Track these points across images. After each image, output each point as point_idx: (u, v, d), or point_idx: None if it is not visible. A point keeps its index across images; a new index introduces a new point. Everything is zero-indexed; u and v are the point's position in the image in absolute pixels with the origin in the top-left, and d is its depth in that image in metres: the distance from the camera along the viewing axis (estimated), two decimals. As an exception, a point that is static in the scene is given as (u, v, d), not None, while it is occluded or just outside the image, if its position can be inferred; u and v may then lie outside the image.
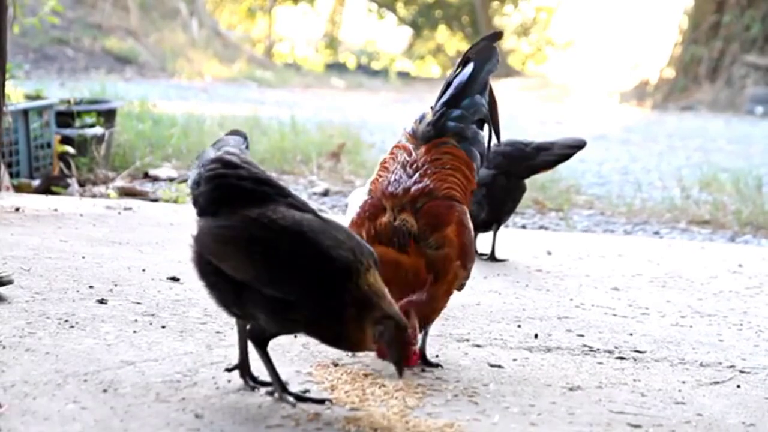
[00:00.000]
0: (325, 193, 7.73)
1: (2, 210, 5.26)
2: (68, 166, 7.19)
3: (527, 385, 2.99)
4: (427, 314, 2.93)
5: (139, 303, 3.59)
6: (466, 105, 3.23)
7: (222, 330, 3.29)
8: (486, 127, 3.32)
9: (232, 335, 3.02)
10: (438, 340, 3.38)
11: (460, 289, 3.13)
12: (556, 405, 2.82)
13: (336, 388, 2.81)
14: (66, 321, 3.28)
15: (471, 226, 3.10)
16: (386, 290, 2.58)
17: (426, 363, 3.08)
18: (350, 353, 3.04)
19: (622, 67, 24.93)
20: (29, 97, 7.38)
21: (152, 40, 21.54)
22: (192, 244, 2.63)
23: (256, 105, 13.07)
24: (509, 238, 5.39)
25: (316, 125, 10.67)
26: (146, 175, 7.82)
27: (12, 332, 3.11)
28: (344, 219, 3.14)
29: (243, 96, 16.39)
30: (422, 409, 2.70)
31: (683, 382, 3.13)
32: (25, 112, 6.86)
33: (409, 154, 3.15)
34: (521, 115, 15.22)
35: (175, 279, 3.96)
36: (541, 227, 7.00)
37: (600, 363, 3.28)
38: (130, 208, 5.70)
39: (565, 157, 5.05)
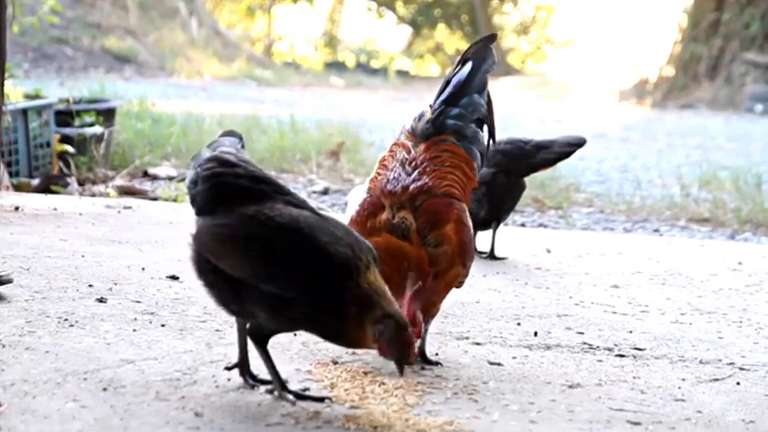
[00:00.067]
0: (325, 192, 7.73)
1: (2, 209, 5.26)
2: (67, 165, 7.19)
3: (527, 382, 2.99)
4: (426, 307, 2.93)
5: (138, 302, 3.59)
6: (464, 104, 3.23)
7: (221, 328, 3.29)
8: (485, 126, 3.32)
9: (232, 333, 3.02)
10: (437, 338, 3.38)
11: (459, 286, 3.13)
12: (555, 402, 2.82)
13: (336, 386, 2.81)
14: (66, 320, 3.28)
15: (470, 223, 3.10)
16: (386, 288, 2.58)
17: (426, 361, 3.08)
18: (350, 350, 3.04)
19: (621, 65, 24.95)
20: (28, 97, 7.38)
21: (151, 39, 21.54)
22: (190, 242, 2.63)
23: (255, 104, 13.06)
24: (509, 236, 5.40)
25: (316, 124, 10.66)
26: (145, 174, 7.82)
27: (12, 331, 3.11)
28: (344, 217, 3.14)
29: (242, 95, 16.39)
30: (422, 407, 2.70)
31: (683, 380, 3.13)
32: (25, 112, 6.86)
33: (408, 152, 3.15)
34: (521, 113, 15.22)
35: (174, 277, 3.96)
36: (541, 225, 7.00)
37: (600, 360, 3.28)
38: (129, 207, 5.70)
39: (565, 155, 5.05)
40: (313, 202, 6.12)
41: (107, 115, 7.80)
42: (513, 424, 2.63)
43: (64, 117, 7.41)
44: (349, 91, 20.85)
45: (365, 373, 2.92)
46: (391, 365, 2.66)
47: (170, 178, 7.64)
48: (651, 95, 20.75)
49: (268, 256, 2.52)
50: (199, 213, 2.67)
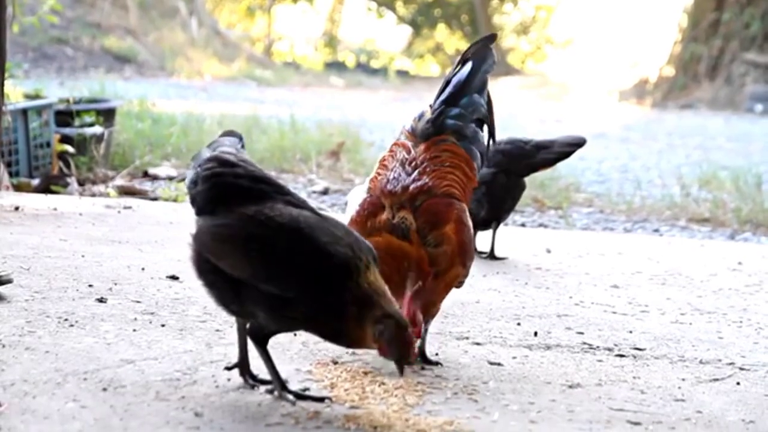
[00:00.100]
0: (325, 192, 7.73)
1: (2, 209, 5.26)
2: (67, 165, 7.19)
3: (527, 382, 2.99)
4: (426, 306, 2.93)
5: (138, 302, 3.59)
6: (464, 103, 3.23)
7: (221, 328, 3.29)
8: (485, 127, 3.32)
9: (232, 333, 3.02)
10: (438, 338, 3.38)
11: (459, 286, 3.13)
12: (555, 402, 2.82)
13: (336, 386, 2.81)
14: (66, 320, 3.28)
15: (470, 223, 3.10)
16: (386, 288, 2.58)
17: (426, 361, 3.08)
18: (350, 350, 3.04)
19: (621, 65, 24.94)
20: (28, 97, 7.38)
21: (151, 39, 21.54)
22: (190, 242, 2.63)
23: (255, 104, 13.07)
24: (509, 236, 5.40)
25: (316, 124, 10.67)
26: (145, 174, 7.82)
27: (12, 331, 3.11)
28: (344, 217, 3.14)
29: (242, 95, 16.39)
30: (422, 407, 2.70)
31: (683, 380, 3.13)
32: (25, 112, 6.86)
33: (408, 152, 3.15)
34: (521, 113, 15.22)
35: (174, 278, 3.96)
36: (541, 225, 7.00)
37: (599, 360, 3.28)
38: (129, 207, 5.70)
39: (565, 155, 5.05)
40: (313, 202, 6.12)
41: (107, 115, 7.80)
42: (513, 424, 2.63)
43: (64, 117, 7.41)
44: (349, 91, 20.85)
45: (365, 373, 2.92)
46: (391, 365, 2.66)
47: (170, 178, 7.64)
48: (651, 95, 20.75)
49: (268, 256, 2.53)
50: (199, 213, 2.67)
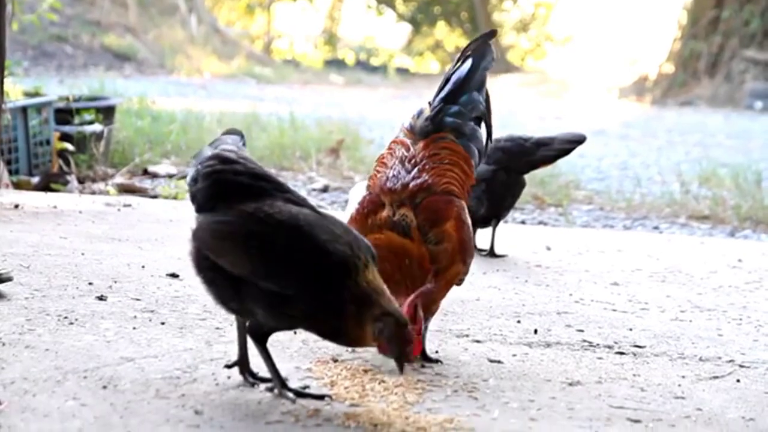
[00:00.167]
0: (325, 189, 7.73)
1: (1, 207, 5.26)
2: (67, 163, 7.19)
3: (527, 380, 2.99)
4: (427, 304, 2.93)
5: (138, 299, 3.59)
6: (463, 101, 3.23)
7: (221, 326, 3.29)
8: (483, 124, 3.32)
9: (232, 331, 3.02)
10: (438, 335, 3.38)
11: (459, 284, 3.13)
12: (555, 400, 2.82)
13: (336, 384, 2.81)
14: (65, 318, 3.28)
15: (469, 221, 3.10)
16: (385, 287, 2.58)
17: (426, 359, 3.09)
18: (349, 348, 3.04)
19: (621, 62, 24.94)
20: (28, 95, 7.37)
21: (151, 36, 21.53)
22: (190, 239, 2.63)
23: (255, 101, 13.06)
24: (508, 234, 5.40)
25: (315, 121, 10.66)
26: (145, 172, 7.82)
27: (12, 329, 3.11)
28: (344, 215, 3.13)
29: (242, 92, 16.39)
30: (422, 405, 2.70)
31: (683, 377, 3.13)
32: (24, 110, 6.86)
33: (407, 150, 3.15)
34: (520, 110, 15.22)
35: (174, 275, 3.96)
36: (541, 223, 7.00)
37: (599, 358, 3.28)
38: (129, 205, 5.70)
39: (565, 152, 5.05)
40: (312, 200, 6.13)
41: (107, 113, 7.80)
42: (513, 422, 2.63)
43: (64, 115, 7.40)
44: (349, 88, 20.85)
45: (365, 371, 2.92)
46: (391, 363, 2.66)
47: (170, 176, 7.64)
48: (651, 92, 20.75)
49: (268, 253, 2.53)
50: (199, 210, 2.68)
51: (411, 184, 3.04)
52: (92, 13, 21.05)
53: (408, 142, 3.17)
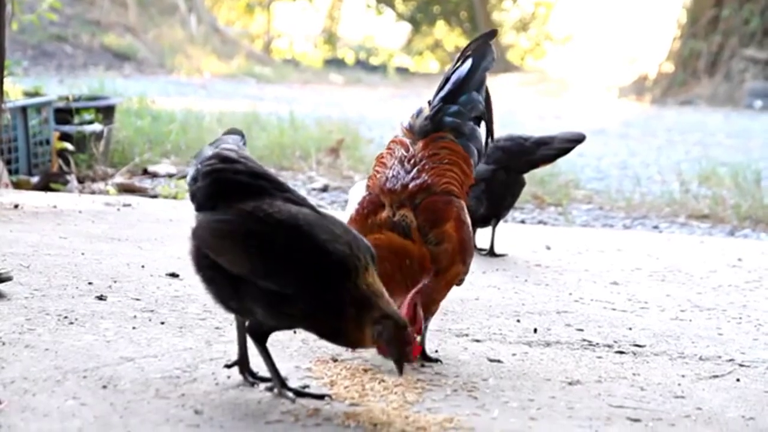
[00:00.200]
0: (325, 189, 7.73)
1: (1, 207, 5.26)
2: (67, 163, 7.19)
3: (526, 379, 2.99)
4: (426, 304, 2.93)
5: (138, 299, 3.59)
6: (463, 101, 3.23)
7: (221, 326, 3.30)
8: (483, 124, 3.32)
9: (232, 331, 3.02)
10: (437, 335, 3.38)
11: (459, 283, 3.13)
12: (555, 399, 2.82)
13: (335, 383, 2.81)
14: (65, 317, 3.28)
15: (469, 221, 3.10)
16: (384, 290, 2.58)
17: (425, 358, 3.09)
18: (349, 349, 3.04)
19: (620, 61, 24.94)
20: (28, 94, 7.37)
21: (151, 36, 21.53)
22: (190, 238, 2.63)
23: (254, 101, 13.06)
24: (508, 233, 5.40)
25: (315, 121, 10.66)
26: (145, 172, 7.82)
27: (11, 329, 3.11)
28: (344, 214, 3.13)
29: (242, 92, 16.38)
30: (422, 404, 2.70)
31: (683, 376, 3.13)
32: (24, 109, 6.86)
33: (407, 149, 3.15)
34: (520, 110, 15.22)
35: (174, 275, 3.96)
36: (540, 222, 7.00)
37: (599, 357, 3.28)
38: (129, 205, 5.70)
39: (565, 151, 5.05)
40: (312, 199, 6.12)
41: (107, 113, 7.80)
42: (513, 421, 2.63)
43: (64, 114, 7.40)
44: (349, 88, 20.84)
45: (365, 371, 2.92)
46: (391, 363, 2.66)
47: (170, 176, 7.64)
48: (650, 91, 20.75)
49: (267, 252, 2.53)
50: (199, 209, 2.68)
51: (410, 185, 3.04)
52: (92, 13, 21.05)
53: (407, 141, 3.17)
